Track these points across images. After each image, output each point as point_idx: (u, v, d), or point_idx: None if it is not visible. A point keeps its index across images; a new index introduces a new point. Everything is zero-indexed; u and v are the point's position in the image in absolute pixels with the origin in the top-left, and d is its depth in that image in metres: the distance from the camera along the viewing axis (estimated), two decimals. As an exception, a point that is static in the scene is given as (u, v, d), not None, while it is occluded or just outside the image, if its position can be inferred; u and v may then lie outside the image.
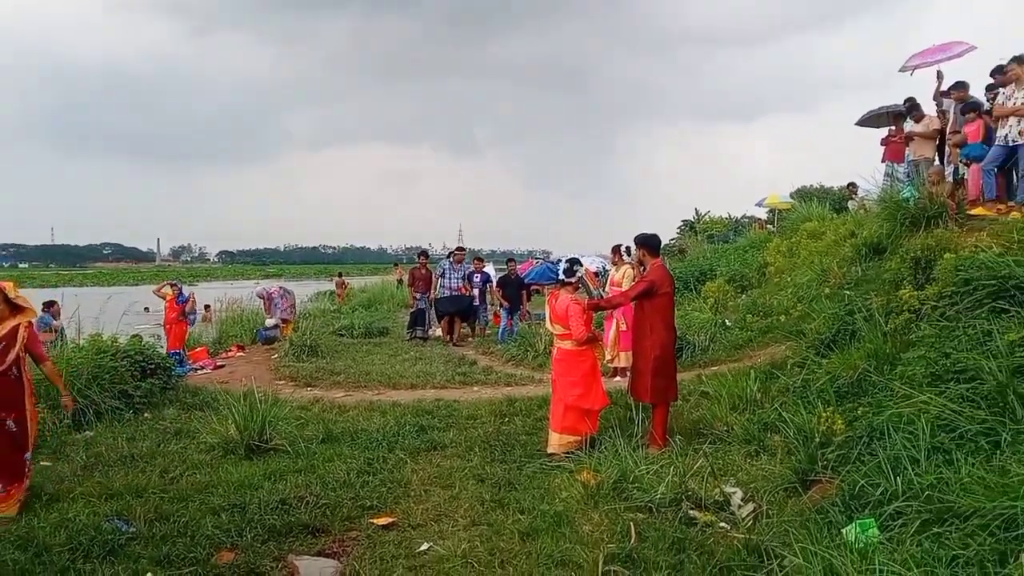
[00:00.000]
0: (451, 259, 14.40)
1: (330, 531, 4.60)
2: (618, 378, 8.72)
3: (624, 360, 8.68)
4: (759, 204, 24.40)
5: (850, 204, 14.77)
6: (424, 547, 4.30)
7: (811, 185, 25.34)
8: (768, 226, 21.65)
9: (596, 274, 15.05)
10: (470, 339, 14.18)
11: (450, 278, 13.90)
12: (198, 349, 13.32)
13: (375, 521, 4.73)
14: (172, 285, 12.99)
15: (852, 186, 15.48)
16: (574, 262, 6.19)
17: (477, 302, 14.35)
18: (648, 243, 6.40)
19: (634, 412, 6.22)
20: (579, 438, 5.91)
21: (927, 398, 4.26)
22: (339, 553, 4.28)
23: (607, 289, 9.25)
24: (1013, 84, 8.21)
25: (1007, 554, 2.90)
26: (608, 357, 8.91)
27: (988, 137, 8.62)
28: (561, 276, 6.20)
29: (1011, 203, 8.03)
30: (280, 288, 15.67)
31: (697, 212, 30.46)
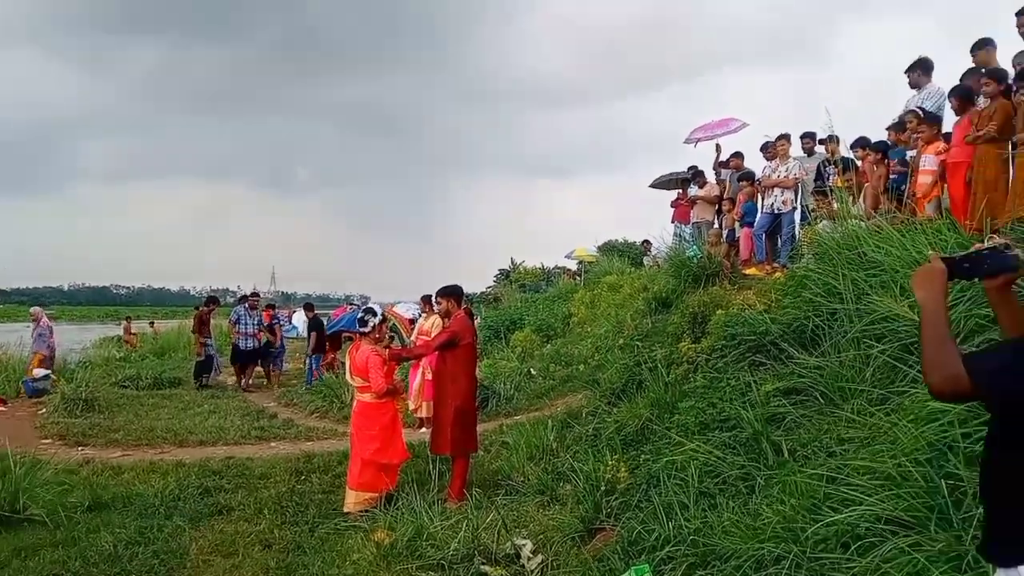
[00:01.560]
0: (246, 305, 14.15)
1: (84, 614, 4.07)
2: (423, 429, 8.64)
3: (427, 410, 8.63)
4: (568, 256, 25.66)
5: (645, 260, 15.93)
6: (193, 625, 3.93)
7: (616, 240, 27.05)
8: (576, 277, 22.77)
9: (411, 321, 15.03)
10: (267, 386, 13.86)
11: (245, 324, 13.68)
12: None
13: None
14: None
15: (646, 243, 16.74)
16: (368, 312, 6.09)
17: (277, 347, 14.47)
18: (452, 294, 6.46)
19: (431, 465, 6.16)
20: (376, 495, 5.76)
21: (696, 446, 4.60)
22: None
23: (414, 338, 9.20)
24: (778, 159, 9.34)
25: (757, 593, 3.16)
26: (412, 407, 8.81)
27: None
28: (356, 327, 6.08)
29: (775, 264, 9.03)
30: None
31: (513, 261, 31.41)
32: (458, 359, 6.09)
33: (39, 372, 12.86)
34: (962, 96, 5.91)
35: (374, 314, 6.05)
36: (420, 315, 11.89)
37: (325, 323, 14.75)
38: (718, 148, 11.48)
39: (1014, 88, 5.47)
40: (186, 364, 16.98)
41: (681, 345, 6.71)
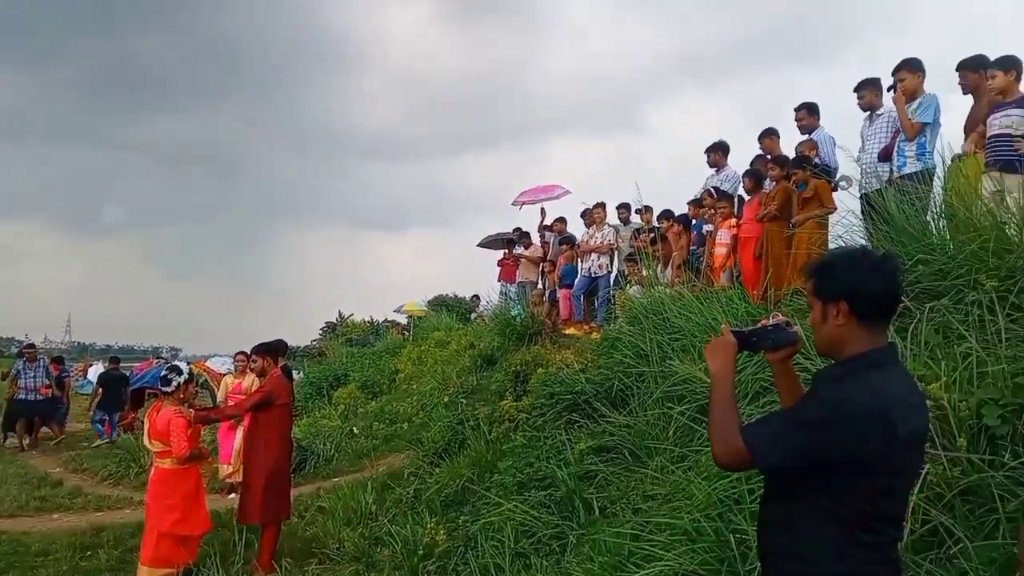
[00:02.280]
0: (24, 358, 12.97)
1: None
2: (232, 495, 8.05)
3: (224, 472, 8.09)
4: (398, 310, 25.45)
5: (473, 315, 16.16)
6: None
7: (447, 295, 27.22)
8: (405, 332, 22.60)
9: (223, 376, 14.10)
10: (52, 441, 12.75)
11: (26, 378, 12.54)
12: None
13: None
14: None
15: (475, 298, 17.03)
16: (173, 369, 5.64)
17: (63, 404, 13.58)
18: (269, 351, 6.16)
19: (237, 535, 5.74)
20: (173, 571, 5.24)
21: (514, 506, 4.66)
22: None
23: (225, 397, 8.62)
24: (595, 226, 9.91)
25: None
26: (230, 470, 8.19)
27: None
28: (158, 386, 5.62)
29: (593, 324, 9.49)
30: None
31: (341, 314, 30.65)
32: (272, 421, 5.78)
33: None
34: (753, 178, 6.63)
35: (179, 372, 5.61)
36: (233, 371, 11.24)
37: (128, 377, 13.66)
38: (543, 212, 12.00)
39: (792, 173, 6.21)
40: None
41: (503, 403, 6.83)
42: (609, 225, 9.85)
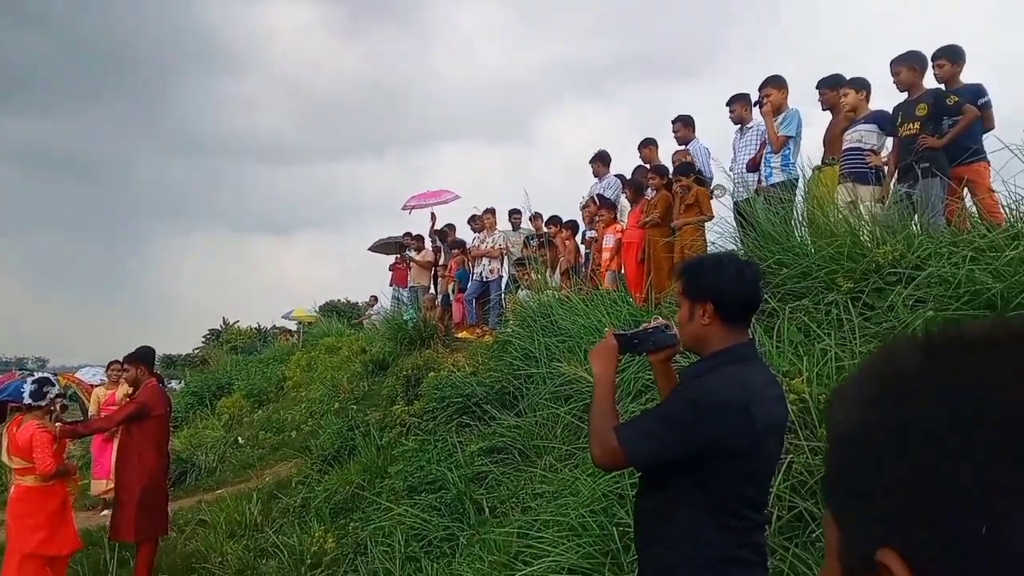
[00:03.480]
0: None
1: None
2: (105, 512, 7.58)
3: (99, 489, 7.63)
4: (286, 316, 24.70)
5: (367, 317, 15.86)
6: None
7: (338, 300, 26.69)
8: (292, 338, 21.97)
9: (93, 387, 13.24)
10: None
11: None
12: None
13: None
14: None
15: (373, 298, 16.74)
16: (44, 382, 5.27)
17: None
18: (143, 359, 5.83)
19: (108, 553, 5.43)
20: (38, 594, 4.89)
21: (404, 510, 4.65)
22: None
23: (98, 411, 8.10)
24: (486, 231, 10.01)
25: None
26: (107, 486, 7.68)
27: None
28: (27, 399, 5.22)
29: (485, 327, 9.57)
30: None
31: (225, 321, 29.48)
32: (146, 433, 5.49)
33: None
34: (635, 187, 6.91)
35: (52, 384, 5.25)
36: (105, 382, 10.59)
37: None
38: (433, 216, 11.99)
39: (673, 180, 6.51)
40: None
41: (394, 408, 6.79)
42: (499, 231, 9.98)
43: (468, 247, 10.50)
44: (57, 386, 5.38)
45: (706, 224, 6.14)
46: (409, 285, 11.77)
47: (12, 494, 5.27)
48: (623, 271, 6.81)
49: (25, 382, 6.04)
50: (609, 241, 6.96)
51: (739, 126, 6.35)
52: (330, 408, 9.12)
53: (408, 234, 11.91)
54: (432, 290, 11.45)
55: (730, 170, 6.39)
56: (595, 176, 8.09)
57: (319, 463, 6.96)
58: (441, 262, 11.25)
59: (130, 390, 7.27)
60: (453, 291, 10.43)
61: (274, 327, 28.77)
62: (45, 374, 5.42)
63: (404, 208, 11.92)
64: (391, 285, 12.70)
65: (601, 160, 8.03)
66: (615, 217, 7.12)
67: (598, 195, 7.51)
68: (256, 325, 28.78)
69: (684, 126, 6.97)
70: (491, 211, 10.08)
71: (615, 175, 7.92)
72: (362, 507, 5.44)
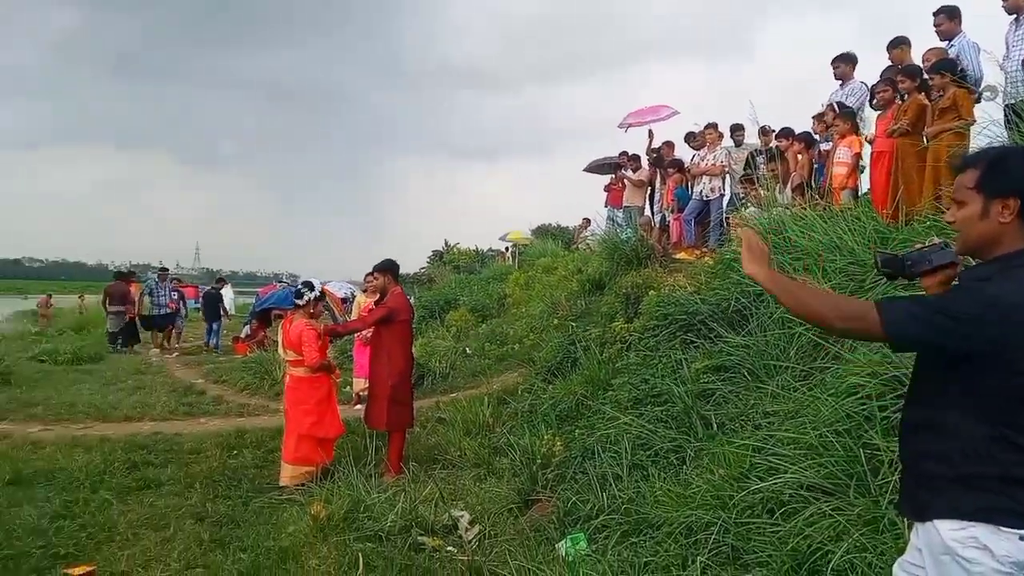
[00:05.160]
0: (156, 277, 16.09)
1: (10, 588, 3.93)
2: (358, 405, 8.59)
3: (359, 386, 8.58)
4: (502, 238, 25.72)
5: (584, 233, 16.06)
6: (125, 597, 3.85)
7: (550, 224, 27.22)
8: (510, 259, 22.89)
9: (343, 300, 14.84)
10: (166, 345, 15.71)
11: (158, 295, 15.52)
12: None
13: (69, 572, 4.13)
14: None
15: (586, 220, 16.93)
16: (307, 285, 6.02)
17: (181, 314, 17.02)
18: (390, 269, 6.43)
19: (368, 440, 6.16)
20: (312, 468, 5.71)
21: (629, 420, 4.77)
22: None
23: (357, 316, 9.09)
24: (706, 147, 9.62)
25: (687, 558, 3.32)
26: (365, 384, 8.70)
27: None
28: (294, 301, 6.02)
29: (704, 248, 9.32)
30: None
31: (447, 243, 31.24)
32: (394, 335, 6.09)
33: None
34: (889, 87, 6.18)
35: (311, 288, 5.99)
36: (353, 294, 11.82)
37: (255, 300, 15.25)
38: (650, 134, 11.69)
39: (927, 82, 5.77)
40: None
41: (614, 325, 6.89)
42: (721, 147, 9.54)
43: (687, 165, 10.17)
44: (316, 291, 6.08)
45: (971, 131, 5.42)
46: (624, 206, 11.68)
47: (287, 383, 6.14)
48: (863, 190, 6.25)
49: (289, 290, 6.90)
50: (844, 155, 6.39)
51: (1014, 16, 5.45)
52: (550, 323, 9.48)
53: (624, 153, 11.74)
54: (648, 211, 11.30)
55: (1002, 67, 5.55)
56: (837, 80, 7.36)
57: (543, 373, 7.32)
58: (658, 181, 11.02)
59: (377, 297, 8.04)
60: (671, 211, 10.21)
61: (490, 249, 30.13)
62: (310, 280, 6.14)
63: (620, 126, 11.73)
64: (606, 206, 12.69)
65: (847, 61, 7.26)
66: (854, 129, 6.49)
67: (837, 103, 6.87)
68: (475, 247, 30.28)
69: (948, 19, 6.07)
70: (712, 126, 9.64)
71: (860, 81, 7.17)
72: (586, 416, 5.67)
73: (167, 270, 17.98)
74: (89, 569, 4.19)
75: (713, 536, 3.28)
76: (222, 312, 16.63)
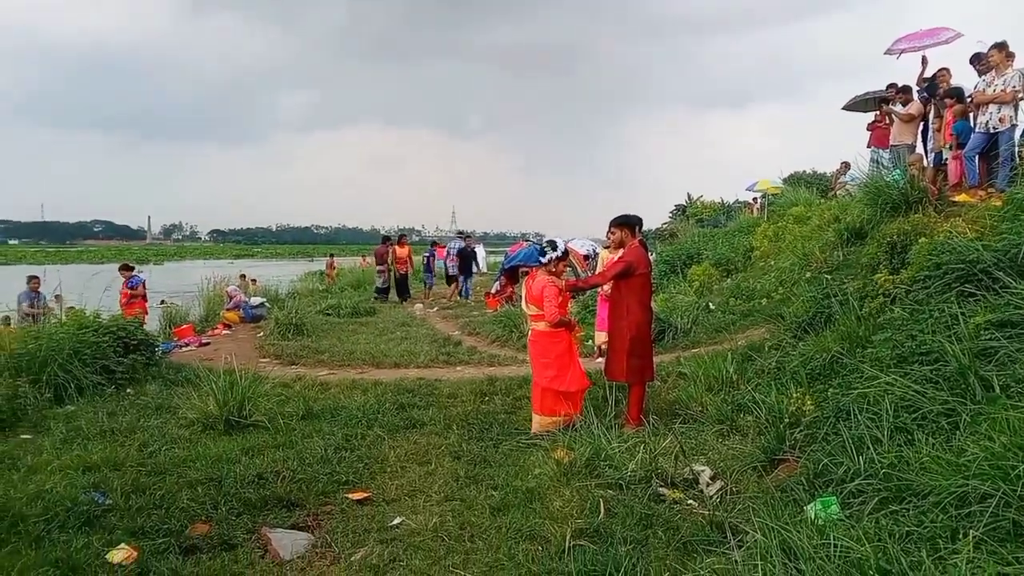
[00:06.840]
0: (458, 238, 19.76)
1: (305, 505, 4.65)
2: (600, 359, 8.77)
3: (601, 339, 8.73)
4: (750, 188, 24.41)
5: (843, 179, 14.73)
6: (396, 521, 4.37)
7: (803, 171, 25.33)
8: (758, 210, 21.70)
9: (586, 257, 15.14)
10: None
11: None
12: (184, 326, 13.32)
13: (350, 496, 4.79)
14: (127, 269, 12.90)
15: (845, 164, 15.53)
16: (551, 244, 6.21)
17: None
18: (627, 223, 6.42)
19: (608, 392, 6.28)
20: (558, 419, 5.92)
21: (892, 379, 4.33)
22: (313, 526, 4.34)
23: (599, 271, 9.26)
24: (993, 71, 8.26)
25: (958, 531, 2.98)
26: (605, 338, 8.90)
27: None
28: (539, 259, 6.25)
29: (991, 190, 8.08)
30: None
31: (689, 197, 30.42)
32: (633, 289, 6.10)
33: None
34: None
35: (555, 247, 6.17)
36: (596, 251, 12.00)
37: (504, 258, 16.30)
38: (924, 61, 10.28)
39: None
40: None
41: (877, 276, 6.26)
42: (1013, 69, 8.12)
43: (969, 94, 8.82)
44: (560, 251, 6.24)
45: None
46: (891, 145, 10.46)
47: (529, 337, 6.43)
48: None
49: (534, 247, 7.17)
50: None
51: None
52: (801, 277, 8.89)
53: (892, 85, 10.48)
54: (920, 148, 10.02)
55: None
56: None
57: (793, 329, 6.90)
58: (932, 115, 9.69)
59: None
60: (950, 148, 8.95)
61: (736, 201, 28.77)
62: (555, 239, 6.33)
63: (890, 52, 10.43)
64: (869, 147, 11.49)
65: None
66: None
67: None
68: (720, 200, 29.11)
69: None
70: (1001, 46, 8.24)
71: None
72: (841, 374, 5.25)
73: (462, 232, 22.25)
74: (366, 495, 4.82)
75: (991, 509, 2.90)
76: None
